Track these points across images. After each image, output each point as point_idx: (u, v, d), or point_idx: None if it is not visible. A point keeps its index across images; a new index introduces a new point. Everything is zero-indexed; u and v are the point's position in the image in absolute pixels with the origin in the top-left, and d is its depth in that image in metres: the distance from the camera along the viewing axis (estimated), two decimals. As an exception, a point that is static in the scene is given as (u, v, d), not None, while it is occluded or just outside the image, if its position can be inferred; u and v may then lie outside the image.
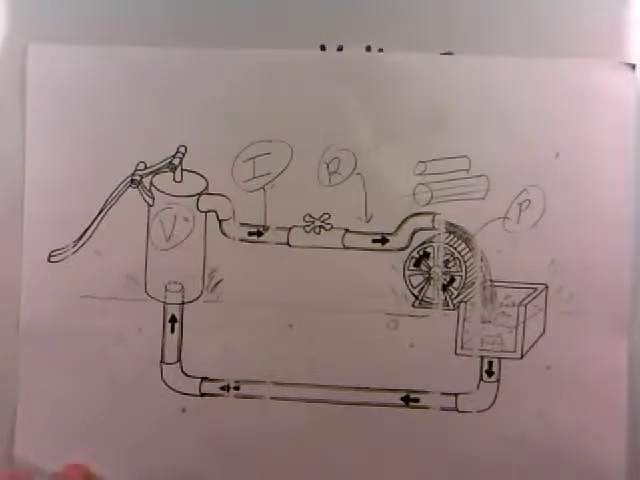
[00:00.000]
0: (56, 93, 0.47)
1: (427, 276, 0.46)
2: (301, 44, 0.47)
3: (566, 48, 0.46)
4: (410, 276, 0.46)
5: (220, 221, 0.47)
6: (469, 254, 0.46)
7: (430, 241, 0.46)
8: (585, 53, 0.46)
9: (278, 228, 0.47)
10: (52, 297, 0.48)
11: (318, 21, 0.47)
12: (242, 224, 0.47)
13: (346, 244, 0.46)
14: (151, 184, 0.47)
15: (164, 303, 0.47)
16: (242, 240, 0.47)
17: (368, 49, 0.46)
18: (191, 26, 0.47)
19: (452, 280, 0.46)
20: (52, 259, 0.47)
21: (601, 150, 0.46)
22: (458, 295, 0.46)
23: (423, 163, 0.46)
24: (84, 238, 0.47)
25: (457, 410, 0.47)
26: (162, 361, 0.47)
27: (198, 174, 0.47)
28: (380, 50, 0.46)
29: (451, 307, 0.46)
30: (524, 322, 0.46)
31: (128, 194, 0.47)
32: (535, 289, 0.46)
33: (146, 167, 0.47)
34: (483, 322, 0.46)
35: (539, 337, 0.46)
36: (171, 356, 0.47)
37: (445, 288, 0.46)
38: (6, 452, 0.48)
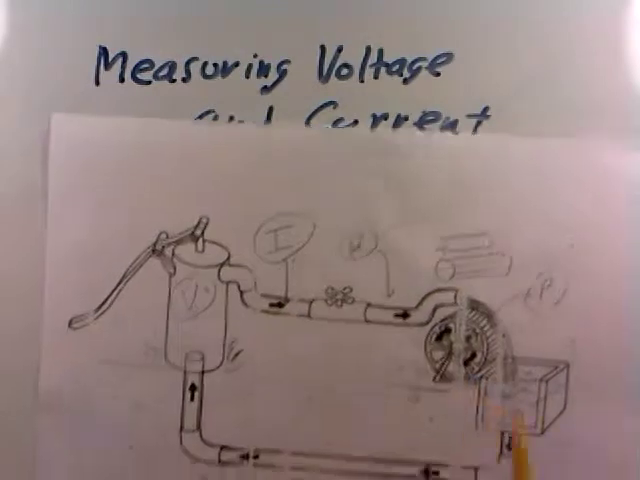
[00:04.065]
0: (78, 163, 0.47)
1: (448, 351, 0.46)
2: (301, 44, 0.46)
3: (566, 49, 0.46)
4: (431, 350, 0.46)
5: (241, 292, 0.47)
6: (491, 330, 0.46)
7: (452, 316, 0.46)
8: (586, 55, 0.46)
9: (300, 300, 0.47)
10: (72, 363, 0.48)
11: (318, 21, 0.47)
12: (263, 295, 0.47)
13: (368, 318, 0.46)
14: (173, 254, 0.47)
15: (184, 371, 0.47)
16: (263, 311, 0.47)
17: (368, 50, 0.46)
18: (189, 25, 0.47)
19: (473, 355, 0.46)
20: (73, 325, 0.47)
21: (616, 238, 0.45)
22: (479, 370, 0.46)
23: (444, 239, 0.46)
24: (105, 305, 0.47)
25: (477, 484, 0.47)
26: (182, 429, 0.47)
27: (220, 245, 0.47)
28: (380, 50, 0.46)
29: (472, 382, 0.46)
30: (545, 398, 0.46)
31: (150, 263, 0.47)
32: (556, 367, 0.46)
33: (168, 237, 0.47)
34: (504, 397, 0.46)
35: (560, 413, 0.46)
36: (191, 424, 0.47)
37: (466, 363, 0.46)
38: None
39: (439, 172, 0.46)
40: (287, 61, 0.47)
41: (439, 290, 0.46)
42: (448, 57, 0.46)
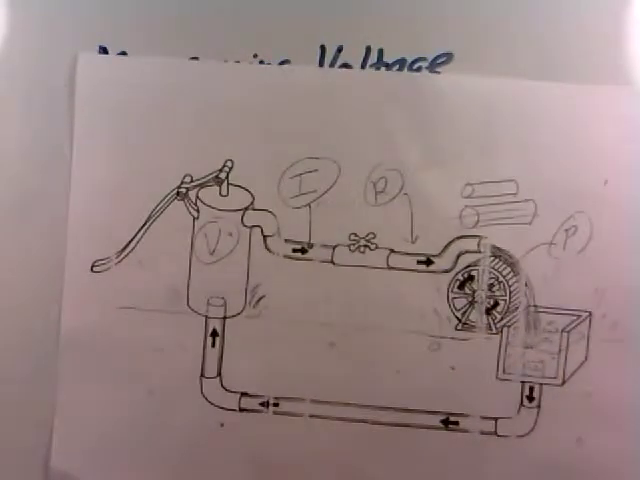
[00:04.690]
0: (105, 103, 0.47)
1: (471, 299, 0.46)
2: (301, 44, 0.46)
3: (566, 49, 0.46)
4: (454, 298, 0.46)
5: (265, 237, 0.47)
6: (514, 279, 0.46)
7: (475, 264, 0.46)
8: (586, 55, 0.46)
9: (323, 246, 0.47)
10: (94, 307, 0.48)
11: (318, 21, 0.47)
12: (287, 240, 0.47)
13: (391, 264, 0.46)
14: (197, 197, 0.47)
15: (206, 317, 0.47)
16: (286, 256, 0.47)
17: (368, 50, 0.46)
18: (189, 25, 0.47)
19: (496, 304, 0.46)
20: (95, 269, 0.47)
21: None
22: (501, 319, 0.46)
23: (470, 185, 0.46)
24: (128, 249, 0.47)
25: (496, 434, 0.46)
26: (202, 375, 0.47)
27: (244, 189, 0.47)
28: (380, 50, 0.46)
29: (494, 331, 0.46)
30: (566, 348, 0.46)
31: (173, 206, 0.47)
32: (579, 316, 0.46)
33: (192, 180, 0.47)
34: (525, 347, 0.46)
35: (581, 364, 0.46)
36: (211, 370, 0.47)
37: (489, 312, 0.46)
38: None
39: (467, 117, 0.46)
40: (287, 61, 0.47)
41: (463, 237, 0.46)
42: (448, 57, 0.46)
